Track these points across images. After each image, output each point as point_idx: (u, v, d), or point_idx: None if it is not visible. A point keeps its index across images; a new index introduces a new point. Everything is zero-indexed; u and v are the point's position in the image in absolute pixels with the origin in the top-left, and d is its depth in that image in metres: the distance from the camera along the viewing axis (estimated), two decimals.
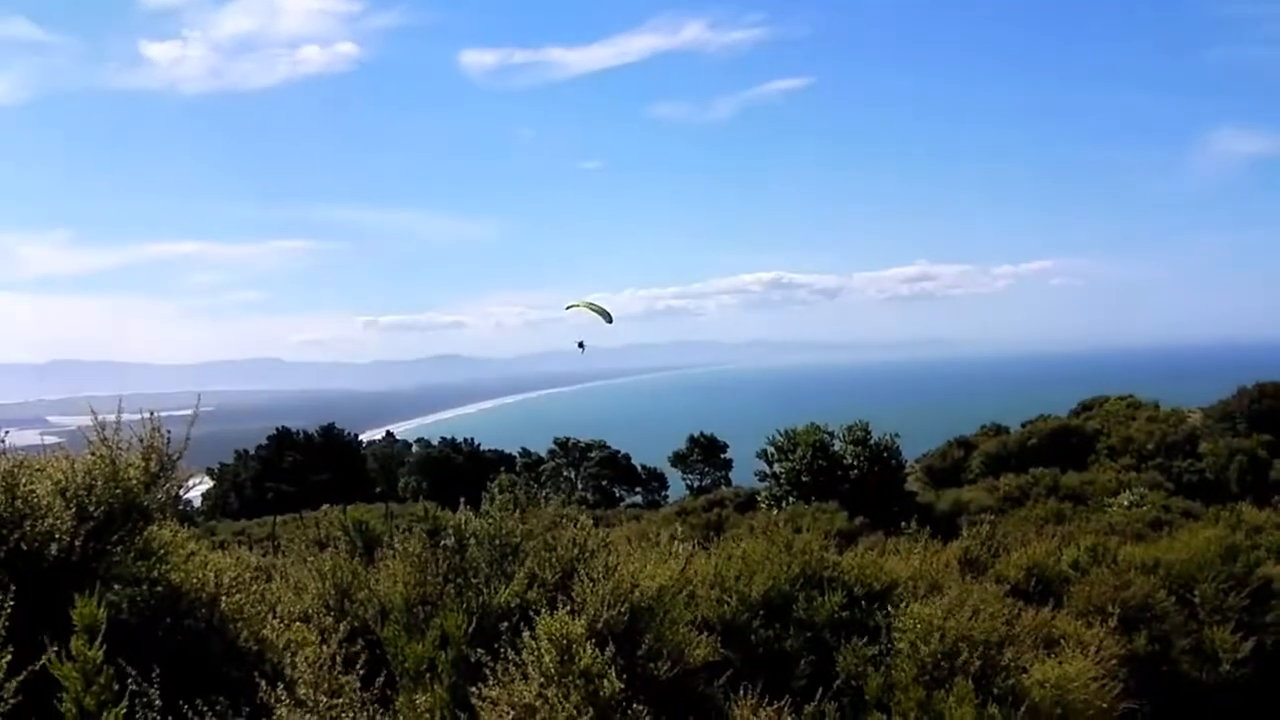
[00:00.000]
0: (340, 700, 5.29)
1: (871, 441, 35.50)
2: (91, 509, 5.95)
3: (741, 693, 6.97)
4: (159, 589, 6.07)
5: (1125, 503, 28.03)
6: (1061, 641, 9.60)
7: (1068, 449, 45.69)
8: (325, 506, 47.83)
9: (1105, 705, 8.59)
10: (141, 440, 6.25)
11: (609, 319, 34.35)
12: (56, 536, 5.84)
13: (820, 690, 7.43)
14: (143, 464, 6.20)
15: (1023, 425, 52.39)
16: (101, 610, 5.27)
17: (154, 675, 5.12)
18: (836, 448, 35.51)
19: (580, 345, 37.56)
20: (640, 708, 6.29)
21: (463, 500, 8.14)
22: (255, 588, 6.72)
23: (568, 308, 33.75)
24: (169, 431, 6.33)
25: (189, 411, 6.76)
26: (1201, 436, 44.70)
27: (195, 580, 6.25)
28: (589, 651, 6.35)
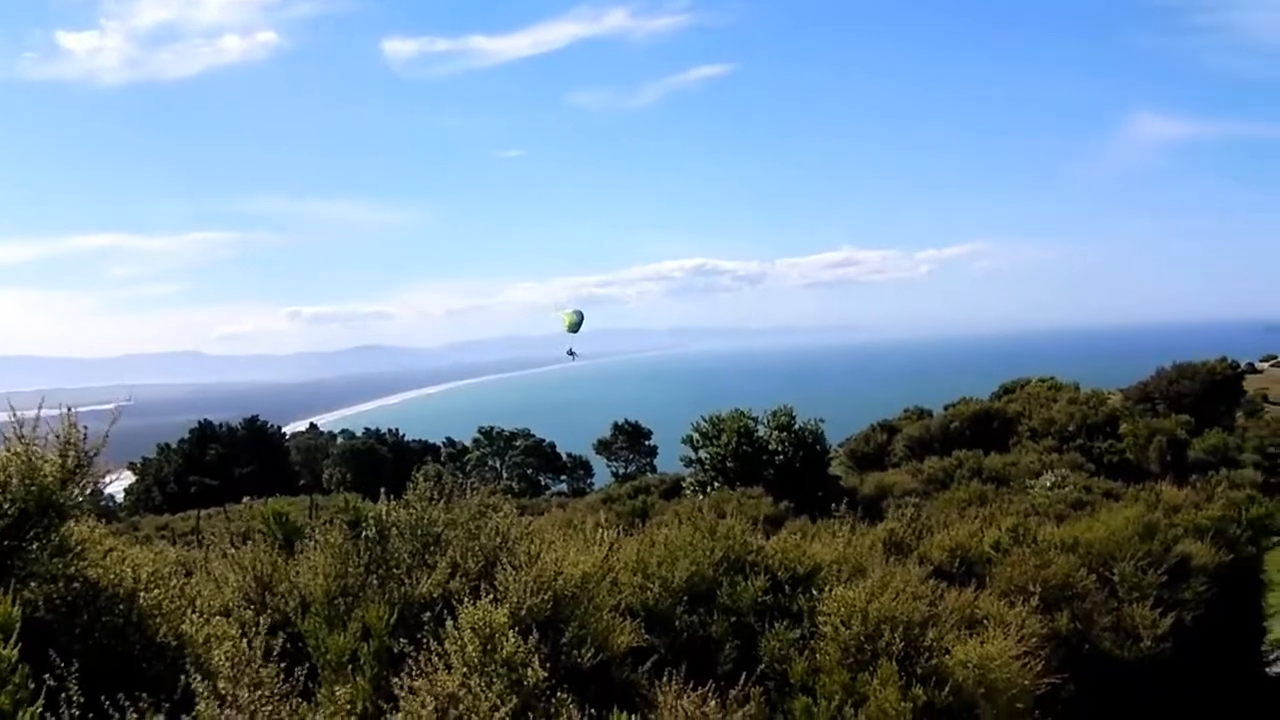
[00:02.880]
0: (260, 693, 5.25)
1: (796, 427, 35.74)
2: (6, 506, 5.87)
3: (666, 679, 6.98)
4: (76, 585, 5.99)
5: (1047, 484, 28.31)
6: (984, 621, 9.68)
7: (990, 431, 46.17)
8: (246, 499, 47.48)
9: (1027, 683, 8.67)
10: (58, 436, 6.17)
11: (575, 328, 34.77)
12: None
13: (744, 675, 7.45)
14: (59, 460, 6.12)
15: (945, 408, 52.86)
16: (16, 608, 5.21)
17: (72, 672, 5.07)
18: (761, 433, 35.73)
19: (571, 353, 37.86)
20: (564, 696, 6.28)
21: (384, 490, 8.09)
22: (175, 582, 6.65)
23: (563, 316, 34.29)
24: (86, 427, 6.26)
25: (110, 405, 6.70)
26: (1121, 417, 45.30)
27: (113, 576, 6.18)
28: (512, 640, 6.34)
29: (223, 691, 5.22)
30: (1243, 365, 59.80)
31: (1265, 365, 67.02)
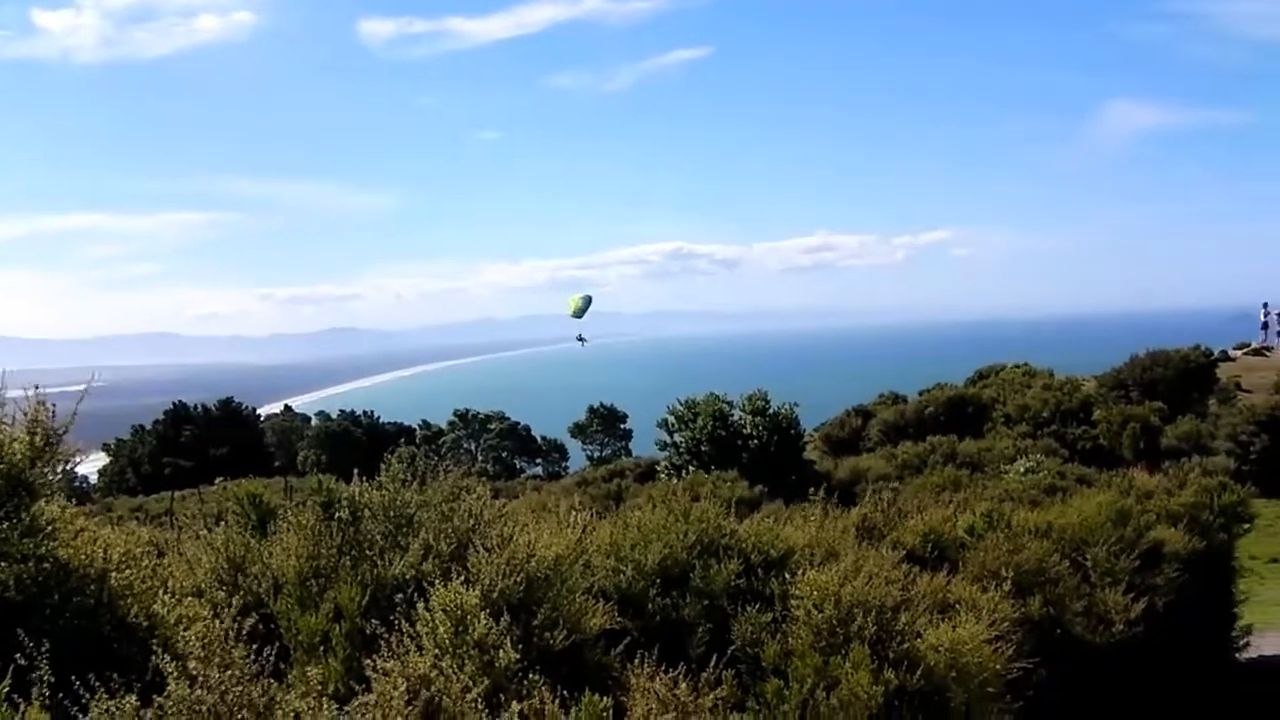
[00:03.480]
0: (230, 673, 5.24)
1: (771, 411, 35.74)
2: None
3: (638, 661, 6.99)
4: (46, 565, 5.97)
5: (1021, 469, 28.39)
6: (956, 606, 9.70)
7: (964, 417, 46.32)
8: (219, 480, 47.36)
9: (998, 667, 8.70)
10: (26, 415, 6.14)
11: (580, 314, 34.90)
12: None
13: (716, 658, 7.46)
14: (27, 439, 6.09)
15: (920, 394, 52.95)
16: None
17: (42, 652, 5.05)
18: (736, 417, 35.72)
19: (580, 338, 37.98)
20: (536, 678, 6.29)
21: (356, 472, 8.07)
22: (147, 563, 6.62)
23: (570, 301, 34.41)
24: (54, 406, 6.23)
25: (82, 386, 6.67)
26: (1095, 404, 45.45)
27: (84, 556, 6.15)
28: (483, 622, 6.34)
29: (193, 671, 5.21)
30: (1216, 353, 60.03)
31: (1238, 353, 67.24)
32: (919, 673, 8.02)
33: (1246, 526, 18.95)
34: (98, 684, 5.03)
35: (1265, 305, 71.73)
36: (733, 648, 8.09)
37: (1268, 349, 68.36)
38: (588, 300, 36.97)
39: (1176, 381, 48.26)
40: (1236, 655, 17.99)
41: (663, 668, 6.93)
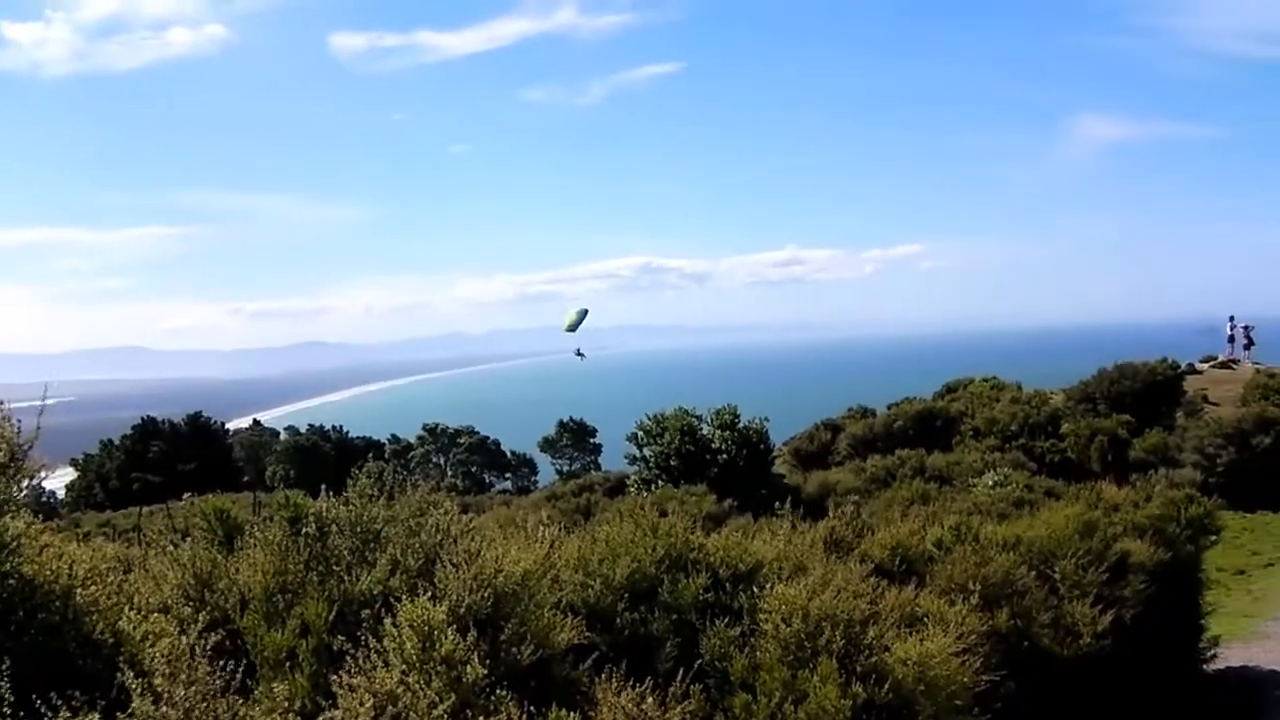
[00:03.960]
0: (195, 690, 5.22)
1: (740, 425, 35.83)
2: None
3: (606, 676, 6.98)
4: (10, 582, 5.93)
5: (990, 482, 28.46)
6: (924, 619, 9.71)
7: (933, 430, 46.49)
8: (186, 495, 47.13)
9: (966, 680, 8.70)
10: None
11: (573, 328, 34.85)
12: None
13: (684, 672, 7.45)
14: None
15: (889, 408, 53.10)
16: None
17: (4, 669, 5.03)
18: (705, 431, 35.79)
19: (579, 353, 37.99)
20: (503, 693, 6.27)
21: (324, 487, 8.04)
22: (112, 579, 6.59)
23: (567, 316, 34.36)
24: (19, 421, 6.19)
25: (50, 401, 6.63)
26: (1063, 417, 45.64)
27: (49, 573, 6.11)
28: (450, 638, 6.32)
29: (158, 688, 5.18)
30: (1183, 366, 60.34)
31: (1205, 366, 67.69)
32: (887, 686, 8.02)
33: (1213, 538, 19.05)
34: (60, 702, 5.00)
35: (1231, 318, 72.23)
36: (701, 662, 8.07)
37: (1234, 362, 68.84)
38: (583, 314, 36.91)
39: (1144, 394, 48.49)
40: (1204, 667, 18.07)
41: (631, 682, 6.93)
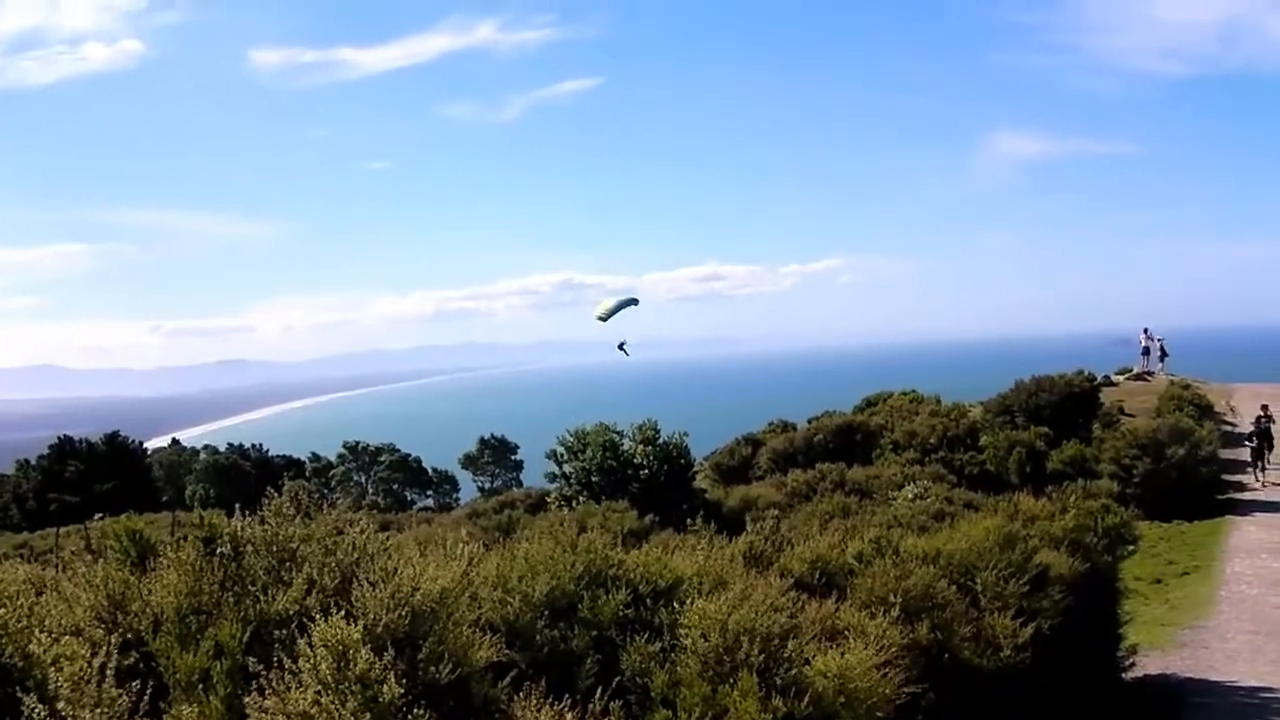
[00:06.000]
0: (100, 712, 5.13)
1: (661, 440, 35.83)
2: None
3: (526, 694, 6.94)
4: None
5: (910, 495, 28.65)
6: (845, 632, 9.73)
7: (853, 444, 46.79)
8: (99, 516, 46.43)
9: (887, 692, 8.72)
10: None
11: (605, 317, 34.09)
12: None
13: (605, 689, 7.43)
14: None
15: (809, 421, 53.30)
16: None
17: None
18: (626, 447, 35.75)
19: (622, 347, 37.16)
20: (421, 712, 6.21)
21: (238, 507, 7.94)
22: (22, 601, 6.47)
23: (600, 317, 33.38)
24: None
25: None
26: (982, 430, 46.04)
27: None
28: (365, 657, 6.25)
29: (62, 712, 5.09)
30: (1100, 378, 61.08)
31: (1120, 378, 68.66)
32: (807, 699, 8.02)
33: (1130, 548, 19.24)
34: None
35: (1146, 330, 73.30)
36: (621, 678, 8.05)
37: (1149, 374, 69.82)
38: (625, 303, 35.22)
39: (1061, 406, 48.96)
40: (1123, 675, 18.23)
41: (550, 700, 6.90)
